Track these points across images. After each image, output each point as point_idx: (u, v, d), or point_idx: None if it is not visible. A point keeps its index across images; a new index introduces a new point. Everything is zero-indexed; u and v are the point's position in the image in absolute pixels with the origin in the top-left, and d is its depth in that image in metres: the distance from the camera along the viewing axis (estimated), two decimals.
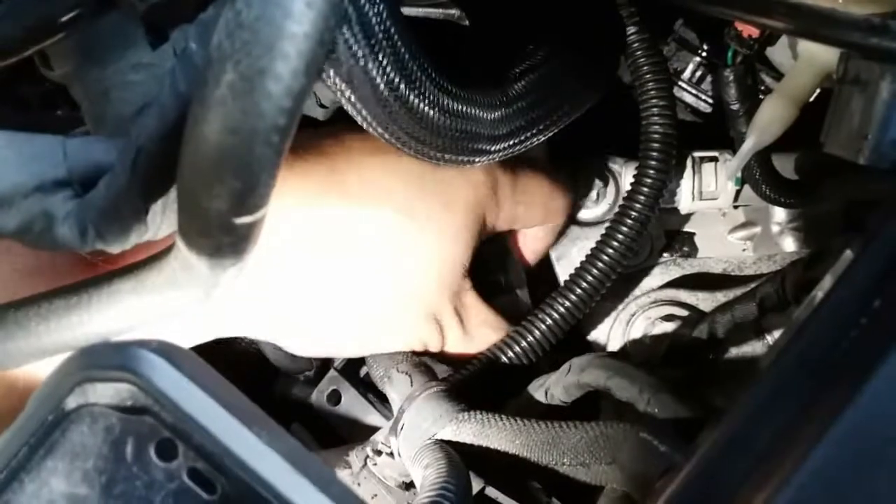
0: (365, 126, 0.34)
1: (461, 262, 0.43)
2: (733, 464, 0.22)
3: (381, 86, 0.32)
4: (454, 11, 0.44)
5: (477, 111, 0.37)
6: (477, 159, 0.39)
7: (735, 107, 0.43)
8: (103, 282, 0.29)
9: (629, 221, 0.46)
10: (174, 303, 0.29)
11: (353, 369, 0.51)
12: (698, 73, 0.50)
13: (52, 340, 0.30)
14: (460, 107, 0.36)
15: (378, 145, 0.37)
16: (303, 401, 0.51)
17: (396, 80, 0.32)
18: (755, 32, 0.41)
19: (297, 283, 0.41)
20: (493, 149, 0.39)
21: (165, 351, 0.20)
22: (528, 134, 0.41)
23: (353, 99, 0.32)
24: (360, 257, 0.41)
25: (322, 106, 0.45)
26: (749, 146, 0.41)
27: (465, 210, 0.43)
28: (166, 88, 0.24)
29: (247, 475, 0.19)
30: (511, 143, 0.40)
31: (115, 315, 0.29)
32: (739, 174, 0.47)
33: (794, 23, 0.29)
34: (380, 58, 0.31)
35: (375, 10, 0.31)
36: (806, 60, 0.38)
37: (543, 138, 0.42)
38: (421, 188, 0.42)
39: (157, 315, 0.30)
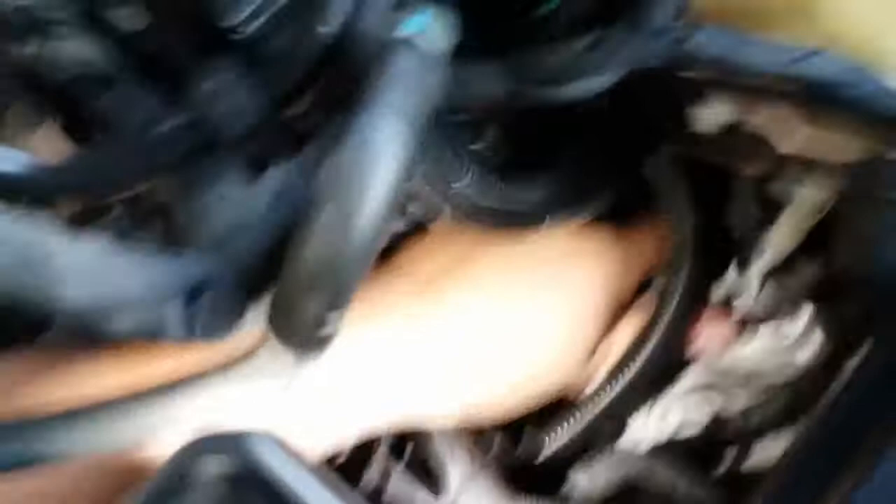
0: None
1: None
2: None
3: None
4: None
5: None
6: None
7: (744, 229, 0.48)
8: (194, 373, 0.34)
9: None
10: (260, 390, 0.33)
11: (400, 447, 0.53)
12: None
13: (144, 423, 0.34)
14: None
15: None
16: (351, 482, 0.53)
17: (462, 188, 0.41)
18: None
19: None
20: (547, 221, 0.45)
21: (274, 439, 0.24)
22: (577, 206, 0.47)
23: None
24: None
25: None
26: (761, 267, 0.45)
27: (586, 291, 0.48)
28: (268, 214, 0.29)
29: None
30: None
31: (203, 402, 0.34)
32: None
33: (789, 171, 0.34)
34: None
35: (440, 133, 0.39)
36: (808, 190, 0.42)
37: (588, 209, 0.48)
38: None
39: (244, 400, 0.34)
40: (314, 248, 0.25)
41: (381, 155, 0.24)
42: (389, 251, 0.52)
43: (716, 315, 0.52)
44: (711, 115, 0.43)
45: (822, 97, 0.32)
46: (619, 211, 0.53)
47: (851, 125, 0.33)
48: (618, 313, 0.51)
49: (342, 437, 0.47)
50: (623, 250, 0.50)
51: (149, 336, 0.32)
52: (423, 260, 0.48)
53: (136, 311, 0.31)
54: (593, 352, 0.49)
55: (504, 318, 0.46)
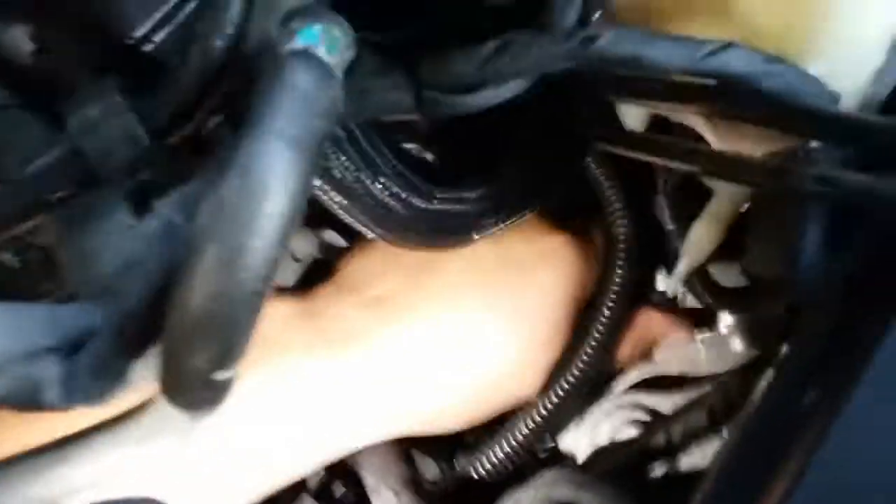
0: (367, 231, 0.42)
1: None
2: None
3: (379, 195, 0.40)
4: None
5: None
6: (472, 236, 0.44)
7: (669, 227, 0.47)
8: (82, 437, 0.31)
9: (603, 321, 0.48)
10: (153, 452, 0.30)
11: (328, 491, 0.51)
12: None
13: (36, 493, 0.31)
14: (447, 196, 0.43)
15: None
16: None
17: (392, 188, 0.40)
18: None
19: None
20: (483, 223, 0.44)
21: None
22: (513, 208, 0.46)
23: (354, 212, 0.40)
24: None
25: (296, 259, 0.48)
26: (684, 267, 0.44)
27: (546, 297, 0.47)
28: (152, 257, 0.26)
29: None
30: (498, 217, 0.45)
31: (95, 468, 0.30)
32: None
33: (710, 167, 0.33)
34: (376, 175, 0.40)
35: (365, 135, 0.40)
36: (727, 187, 0.42)
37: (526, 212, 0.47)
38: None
39: (137, 464, 0.31)
40: (196, 296, 0.22)
41: (266, 187, 0.22)
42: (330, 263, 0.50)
43: (663, 314, 0.52)
44: (636, 113, 0.42)
45: (738, 91, 0.31)
46: (572, 213, 0.52)
47: (769, 118, 0.32)
48: (576, 319, 0.49)
49: (275, 480, 0.44)
50: (578, 254, 0.50)
51: (24, 401, 0.28)
52: (373, 275, 0.46)
53: (8, 373, 0.28)
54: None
55: (459, 331, 0.45)
